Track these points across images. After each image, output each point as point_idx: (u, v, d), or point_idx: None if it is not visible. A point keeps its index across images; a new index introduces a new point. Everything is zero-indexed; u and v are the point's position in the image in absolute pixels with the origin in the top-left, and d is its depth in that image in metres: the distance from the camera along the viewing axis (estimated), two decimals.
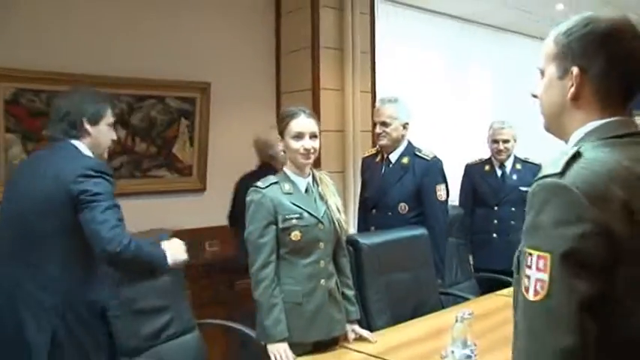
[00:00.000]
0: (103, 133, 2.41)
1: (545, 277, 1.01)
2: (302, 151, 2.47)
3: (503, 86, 6.90)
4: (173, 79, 4.35)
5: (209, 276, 4.06)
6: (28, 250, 2.17)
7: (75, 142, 2.36)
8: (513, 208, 4.17)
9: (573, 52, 1.18)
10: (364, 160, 3.80)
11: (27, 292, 2.14)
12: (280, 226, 2.44)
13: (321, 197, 2.57)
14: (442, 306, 3.32)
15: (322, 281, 2.52)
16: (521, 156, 4.32)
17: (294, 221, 2.45)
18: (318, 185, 2.59)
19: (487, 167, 4.36)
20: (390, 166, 3.53)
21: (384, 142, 3.50)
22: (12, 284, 2.16)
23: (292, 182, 2.51)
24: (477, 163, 4.45)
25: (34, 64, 3.73)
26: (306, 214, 2.47)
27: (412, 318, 2.96)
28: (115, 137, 2.45)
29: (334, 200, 2.59)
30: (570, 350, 0.99)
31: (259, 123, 4.77)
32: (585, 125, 1.17)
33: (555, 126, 1.24)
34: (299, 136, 2.48)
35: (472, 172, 4.44)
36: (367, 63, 4.95)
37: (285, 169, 2.55)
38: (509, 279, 3.73)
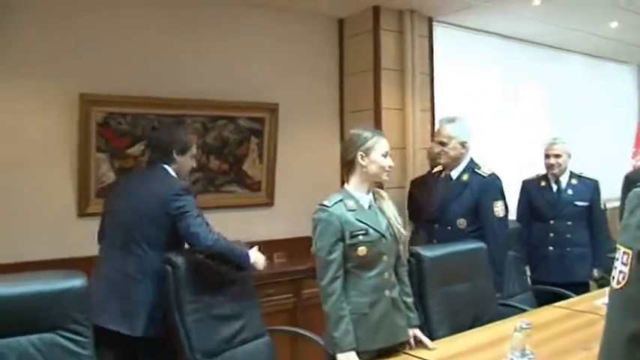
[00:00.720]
0: (187, 161, 3.07)
1: (626, 269, 1.13)
2: (387, 168, 2.57)
3: (558, 104, 6.88)
4: (244, 101, 4.44)
5: (277, 285, 4.14)
6: (134, 247, 2.88)
7: (166, 166, 3.00)
8: (569, 222, 4.17)
9: None
10: (429, 176, 3.96)
11: (131, 273, 2.86)
12: (347, 242, 2.48)
13: (382, 212, 2.61)
14: (501, 317, 3.27)
15: (386, 292, 2.58)
16: (577, 172, 4.33)
17: (360, 237, 2.49)
18: (376, 200, 2.64)
19: (543, 182, 4.38)
20: (451, 182, 3.55)
21: (443, 160, 3.55)
22: (122, 269, 2.87)
23: (355, 199, 2.55)
24: (534, 178, 4.47)
25: (121, 90, 3.91)
26: (371, 230, 2.51)
27: (471, 328, 2.98)
28: (194, 165, 3.08)
29: (393, 213, 2.63)
30: (636, 335, 1.08)
31: (324, 141, 4.98)
32: None
33: None
34: (386, 154, 2.57)
35: (529, 187, 4.46)
36: (426, 83, 4.99)
37: (346, 186, 2.60)
38: (564, 292, 3.86)
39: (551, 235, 4.26)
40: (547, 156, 4.27)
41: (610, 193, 5.17)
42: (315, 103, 4.93)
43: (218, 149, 4.43)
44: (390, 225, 2.59)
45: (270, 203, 4.73)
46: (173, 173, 3.00)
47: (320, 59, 4.97)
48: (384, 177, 2.58)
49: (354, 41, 4.95)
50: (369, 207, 2.58)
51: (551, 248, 4.24)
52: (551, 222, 4.25)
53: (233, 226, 4.30)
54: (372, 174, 2.57)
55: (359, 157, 2.56)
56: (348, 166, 2.61)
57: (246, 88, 4.46)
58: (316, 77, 4.94)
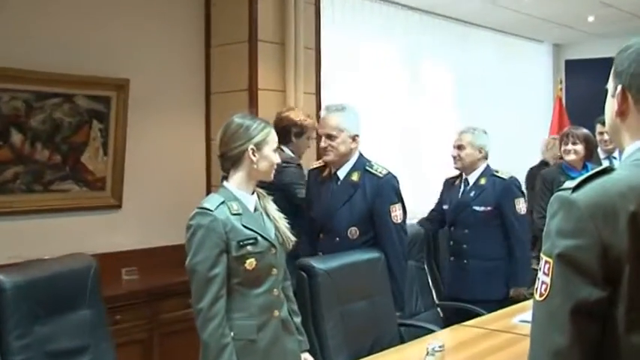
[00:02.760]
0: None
1: (548, 280, 1.28)
2: (276, 165, 2.73)
3: (467, 87, 7.32)
4: (83, 75, 4.35)
5: (127, 310, 4.09)
6: None
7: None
8: (466, 230, 4.39)
9: (617, 70, 1.42)
10: (310, 172, 3.91)
11: None
12: (234, 254, 2.55)
13: (268, 215, 2.72)
14: (402, 339, 3.49)
15: (276, 312, 2.69)
16: (495, 168, 4.53)
17: (249, 247, 2.58)
18: (260, 202, 2.75)
19: (456, 181, 4.64)
20: (338, 183, 3.64)
21: (330, 157, 3.62)
22: None
23: (239, 201, 2.63)
24: (452, 177, 4.73)
25: None
26: (260, 238, 2.60)
27: (371, 353, 3.08)
28: None
29: (280, 216, 2.75)
30: (560, 351, 1.24)
31: (186, 128, 5.02)
32: (634, 143, 1.40)
33: (616, 143, 1.50)
34: (276, 149, 2.71)
35: (444, 187, 4.76)
36: (312, 60, 5.08)
37: (227, 185, 2.67)
38: (473, 308, 4.07)
39: (451, 243, 4.53)
40: (453, 147, 4.52)
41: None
42: (176, 80, 4.96)
43: (47, 135, 4.30)
44: (278, 231, 2.70)
45: (117, 205, 4.67)
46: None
47: (180, 27, 4.99)
48: (272, 175, 2.73)
49: (224, 6, 4.96)
50: (255, 210, 2.68)
51: (452, 259, 4.51)
52: (451, 228, 4.53)
53: (68, 234, 4.29)
54: (263, 171, 2.68)
55: (250, 152, 2.64)
56: (231, 161, 2.68)
57: (86, 58, 4.38)
58: (175, 49, 4.96)
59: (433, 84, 6.93)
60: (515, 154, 7.30)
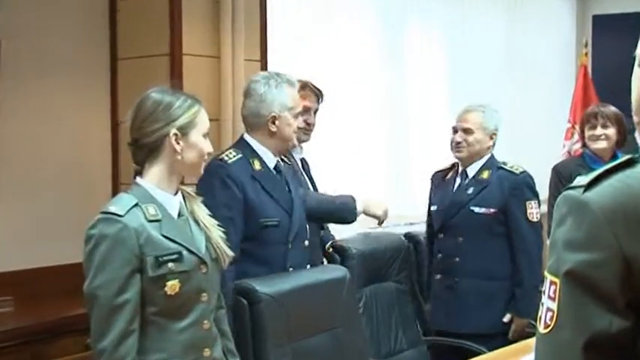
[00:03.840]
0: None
1: (554, 306, 1.26)
2: (207, 155, 2.80)
3: (464, 59, 7.21)
4: None
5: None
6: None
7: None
8: (460, 238, 4.40)
9: None
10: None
11: None
12: (150, 273, 2.57)
13: (197, 222, 2.77)
14: None
15: (206, 351, 2.69)
16: (501, 160, 4.54)
17: (170, 265, 2.60)
18: (187, 205, 2.80)
19: (448, 174, 4.64)
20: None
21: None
22: None
23: (158, 203, 2.67)
24: (443, 170, 4.72)
25: None
26: (185, 253, 2.64)
27: None
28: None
29: (212, 222, 2.81)
30: None
31: (81, 106, 4.90)
32: None
33: None
34: (207, 134, 2.77)
35: (433, 183, 4.74)
36: (255, 18, 5.08)
37: (141, 182, 2.71)
38: (470, 345, 4.16)
39: (439, 256, 4.53)
40: (454, 131, 4.47)
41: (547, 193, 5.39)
42: (67, 42, 4.84)
43: None
44: (210, 243, 2.75)
45: None
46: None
47: None
48: (202, 169, 2.81)
49: None
50: (179, 215, 2.72)
51: (438, 277, 4.51)
52: (440, 235, 4.53)
53: None
54: (189, 164, 2.74)
55: (172, 139, 2.68)
56: (146, 151, 2.72)
57: None
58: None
59: (420, 50, 6.80)
60: (527, 144, 7.31)
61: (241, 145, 3.76)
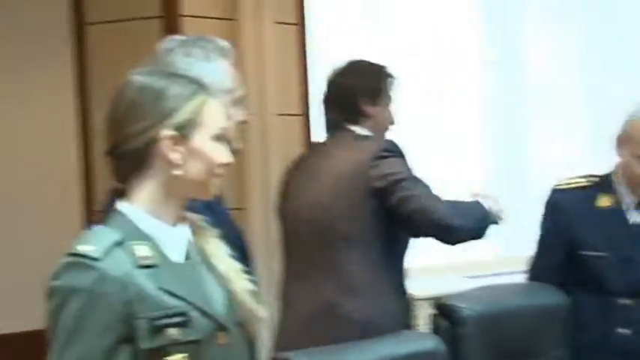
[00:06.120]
0: (383, 113, 3.71)
1: None
2: (221, 166, 2.36)
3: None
4: None
5: None
6: (327, 258, 3.57)
7: (353, 127, 3.69)
8: None
9: None
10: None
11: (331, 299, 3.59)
12: (143, 345, 2.20)
13: (211, 268, 2.41)
14: None
15: None
16: None
17: (172, 332, 2.23)
18: (196, 240, 2.43)
19: (604, 200, 4.01)
20: None
21: None
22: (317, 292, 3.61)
23: (151, 239, 2.29)
24: (578, 187, 4.09)
25: None
26: (194, 314, 2.27)
27: None
28: (393, 119, 3.79)
29: (235, 267, 2.42)
30: None
31: (32, 93, 4.87)
32: None
33: None
34: (222, 135, 2.38)
35: (567, 207, 4.06)
36: None
37: (125, 208, 2.34)
38: None
39: (625, 332, 3.86)
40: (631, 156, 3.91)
41: None
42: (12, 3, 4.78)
43: None
44: (233, 299, 2.40)
45: None
46: (367, 133, 3.69)
47: None
48: (213, 188, 2.41)
49: None
50: (186, 257, 2.37)
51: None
52: (622, 301, 3.90)
53: None
54: (194, 180, 2.35)
55: (166, 144, 2.28)
56: (131, 162, 2.32)
57: None
58: None
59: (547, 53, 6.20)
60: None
61: None
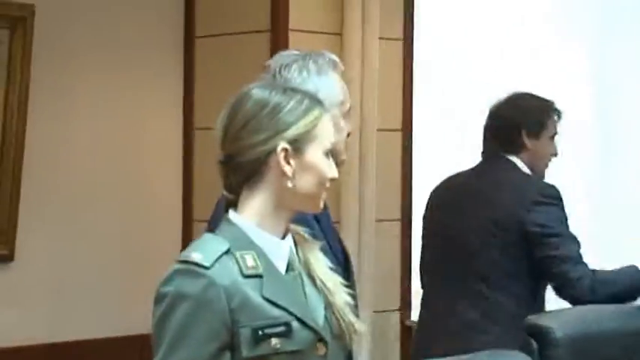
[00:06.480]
0: (545, 147, 3.78)
1: None
2: (330, 180, 2.40)
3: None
4: None
5: None
6: (475, 282, 3.69)
7: (512, 158, 3.77)
8: None
9: None
10: None
11: (472, 320, 3.67)
12: (246, 353, 2.22)
13: (313, 279, 2.41)
14: None
15: None
16: None
17: (274, 341, 2.25)
18: (299, 252, 2.44)
19: None
20: None
21: None
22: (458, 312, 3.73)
23: (259, 249, 2.32)
24: None
25: None
26: (296, 324, 2.29)
27: None
28: (556, 151, 3.85)
29: (335, 280, 2.42)
30: None
31: (146, 99, 4.79)
32: None
33: None
34: (330, 151, 2.39)
35: None
36: None
37: (236, 218, 2.38)
38: None
39: None
40: None
41: None
42: (124, 12, 4.73)
43: None
44: (333, 311, 2.39)
45: (7, 257, 4.37)
46: (525, 168, 3.74)
47: None
48: (321, 202, 2.47)
49: None
50: (289, 268, 2.39)
51: None
52: None
53: None
54: (304, 194, 2.37)
55: (280, 156, 2.30)
56: (244, 173, 2.34)
57: None
58: None
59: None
60: None
61: None
